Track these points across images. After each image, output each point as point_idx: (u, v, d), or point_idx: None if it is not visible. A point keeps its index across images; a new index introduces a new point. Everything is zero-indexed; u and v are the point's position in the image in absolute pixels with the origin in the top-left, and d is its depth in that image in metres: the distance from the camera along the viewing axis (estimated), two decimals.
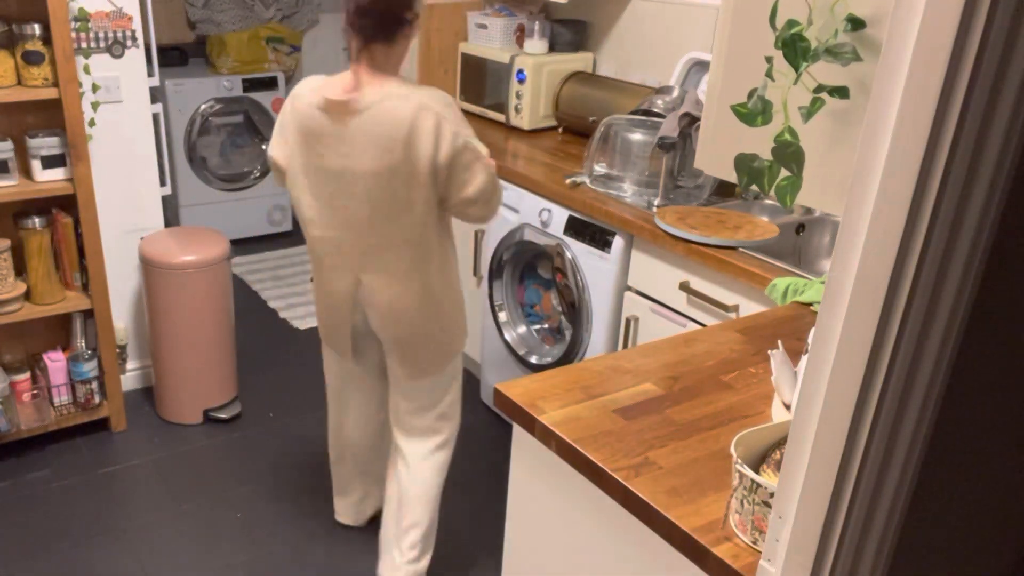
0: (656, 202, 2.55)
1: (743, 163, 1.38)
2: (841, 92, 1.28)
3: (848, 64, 1.26)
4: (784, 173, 1.34)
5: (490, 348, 3.13)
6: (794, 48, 1.28)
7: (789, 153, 1.31)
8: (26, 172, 2.71)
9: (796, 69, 1.28)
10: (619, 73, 3.30)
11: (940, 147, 0.74)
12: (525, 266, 3.01)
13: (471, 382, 3.44)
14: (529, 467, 1.50)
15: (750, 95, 1.36)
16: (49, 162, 2.68)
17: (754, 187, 1.45)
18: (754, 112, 1.35)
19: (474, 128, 2.87)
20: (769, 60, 1.33)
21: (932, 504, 0.86)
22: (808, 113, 1.30)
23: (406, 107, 1.89)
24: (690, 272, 2.33)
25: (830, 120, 1.32)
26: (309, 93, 2.00)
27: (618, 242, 2.53)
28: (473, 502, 2.77)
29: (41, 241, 2.73)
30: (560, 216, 2.70)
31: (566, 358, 2.79)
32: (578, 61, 3.34)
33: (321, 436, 3.05)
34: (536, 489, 1.50)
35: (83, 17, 2.77)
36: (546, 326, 3.01)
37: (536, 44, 3.27)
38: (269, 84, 4.54)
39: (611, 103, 3.05)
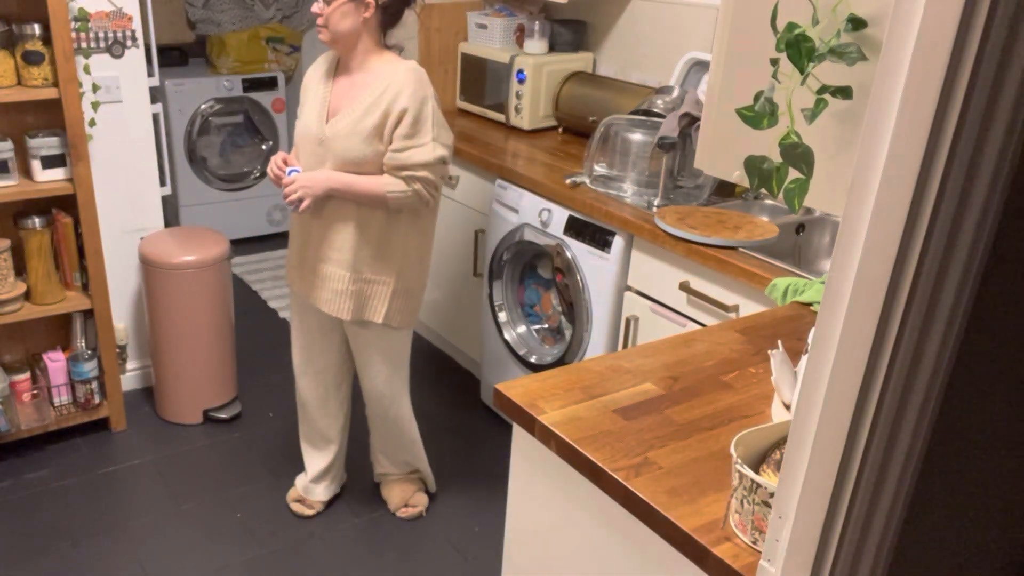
0: (656, 202, 2.55)
1: (753, 165, 1.38)
2: (844, 92, 1.27)
3: (854, 64, 1.25)
4: (792, 175, 1.33)
5: (490, 348, 3.13)
6: (798, 49, 1.27)
7: (798, 154, 1.30)
8: (26, 172, 2.71)
9: (801, 71, 1.28)
10: (619, 73, 3.30)
11: (940, 147, 0.74)
12: (525, 266, 3.01)
13: (471, 382, 3.44)
14: (529, 467, 1.50)
15: (756, 98, 1.36)
16: (49, 162, 2.68)
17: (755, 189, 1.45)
18: (761, 115, 1.35)
19: (474, 128, 2.85)
20: (775, 62, 1.33)
21: (932, 504, 0.86)
22: (812, 114, 1.29)
23: None
24: (690, 272, 2.34)
25: (834, 121, 1.32)
26: None
27: (618, 242, 2.53)
28: (473, 502, 2.77)
29: (41, 241, 2.73)
30: (560, 216, 2.70)
31: (566, 358, 2.79)
32: (578, 61, 3.34)
33: None
34: (536, 489, 1.50)
35: (83, 17, 2.77)
36: (546, 326, 3.01)
37: (536, 44, 3.27)
38: (269, 84, 4.54)
39: (611, 103, 3.05)
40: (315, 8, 2.16)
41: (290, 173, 2.24)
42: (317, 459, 2.65)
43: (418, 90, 2.17)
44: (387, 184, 2.19)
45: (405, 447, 2.64)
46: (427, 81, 2.21)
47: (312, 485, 2.67)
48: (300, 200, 2.20)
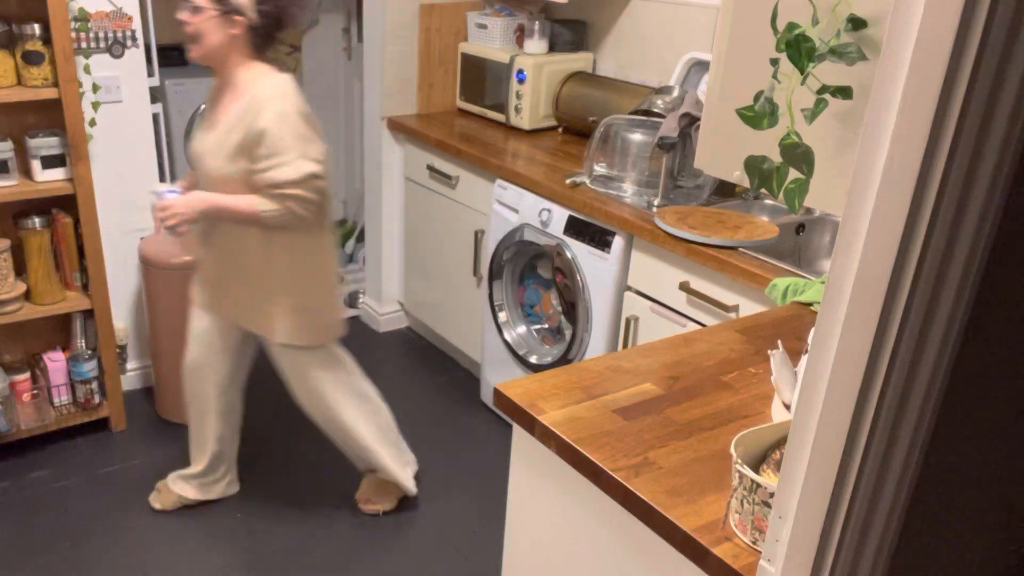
0: (656, 202, 2.55)
1: (753, 165, 1.38)
2: (844, 92, 1.28)
3: (854, 64, 1.25)
4: (793, 175, 1.34)
5: (490, 348, 3.13)
6: (798, 49, 1.28)
7: (798, 154, 1.31)
8: (26, 172, 2.71)
9: (801, 71, 1.28)
10: (619, 73, 3.30)
11: (940, 147, 0.74)
12: (525, 266, 3.01)
13: (471, 382, 3.44)
14: (529, 467, 1.50)
15: (756, 98, 1.36)
16: (49, 162, 2.68)
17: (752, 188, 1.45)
18: (761, 115, 1.35)
19: (474, 128, 2.81)
20: (774, 62, 1.33)
21: (932, 504, 0.86)
22: (812, 115, 1.29)
23: None
24: (690, 272, 2.34)
25: (835, 122, 1.32)
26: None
27: (618, 242, 2.53)
28: (473, 502, 2.77)
29: (41, 241, 2.73)
30: (560, 216, 2.70)
31: (566, 358, 2.79)
32: (578, 61, 3.34)
33: (320, 435, 3.05)
34: (536, 489, 1.50)
35: (83, 17, 2.77)
36: (546, 326, 3.01)
37: (536, 44, 3.27)
38: None
39: (611, 103, 3.05)
40: (181, 15, 2.13)
41: (165, 195, 2.20)
42: (196, 459, 2.66)
43: (277, 107, 2.11)
44: (259, 203, 2.14)
45: (356, 448, 2.60)
46: (291, 95, 2.14)
47: (178, 478, 2.68)
48: (177, 225, 2.18)
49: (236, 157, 2.14)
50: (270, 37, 2.21)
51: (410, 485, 2.71)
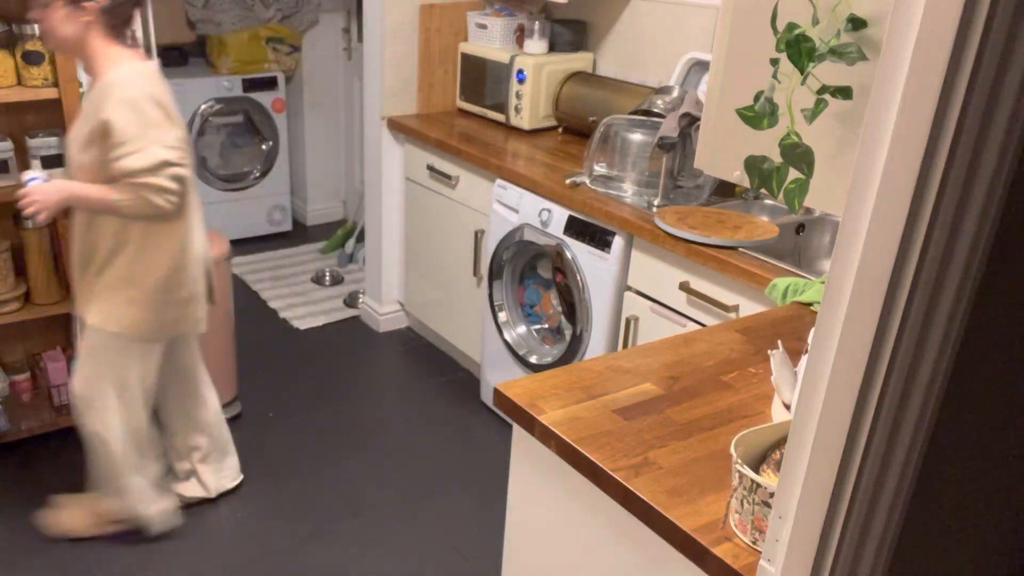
0: (656, 202, 2.55)
1: (753, 165, 1.38)
2: (844, 92, 1.28)
3: (854, 63, 1.26)
4: (793, 175, 1.34)
5: (490, 348, 3.13)
6: (798, 49, 1.28)
7: (798, 154, 1.31)
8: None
9: (801, 71, 1.28)
10: (619, 73, 3.30)
11: (940, 147, 0.74)
12: (525, 266, 3.01)
13: (471, 382, 3.44)
14: (529, 467, 1.50)
15: (756, 98, 1.36)
16: (49, 162, 2.68)
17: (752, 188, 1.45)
18: (761, 115, 1.35)
19: (474, 128, 2.77)
20: (775, 62, 1.33)
21: (932, 504, 0.86)
22: (812, 115, 1.30)
23: None
24: (690, 272, 2.34)
25: (835, 121, 1.32)
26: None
27: (618, 242, 2.53)
28: (473, 502, 2.77)
29: (41, 241, 2.73)
30: (560, 216, 2.71)
31: (566, 358, 2.79)
32: (578, 61, 3.34)
33: (320, 435, 3.05)
34: (536, 489, 1.50)
35: None
36: (546, 326, 3.01)
37: (536, 44, 3.27)
38: (269, 84, 4.54)
39: (611, 103, 3.05)
40: (32, 15, 2.11)
41: (30, 182, 2.19)
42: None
43: (123, 94, 2.06)
44: (113, 193, 2.09)
45: (105, 466, 2.46)
46: (140, 81, 2.10)
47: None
48: (38, 212, 2.15)
49: (87, 146, 2.12)
50: (127, 18, 2.17)
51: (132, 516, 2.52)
